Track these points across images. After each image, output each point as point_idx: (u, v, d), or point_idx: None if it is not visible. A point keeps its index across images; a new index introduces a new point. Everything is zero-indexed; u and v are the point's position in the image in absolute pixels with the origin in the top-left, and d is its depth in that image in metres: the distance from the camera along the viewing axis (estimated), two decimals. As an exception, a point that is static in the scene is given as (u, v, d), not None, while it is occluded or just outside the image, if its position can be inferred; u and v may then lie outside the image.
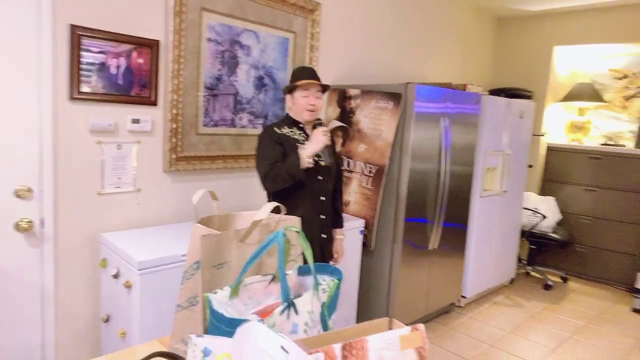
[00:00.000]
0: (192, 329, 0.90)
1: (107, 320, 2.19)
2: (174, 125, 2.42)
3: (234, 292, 0.84)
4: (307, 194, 2.11)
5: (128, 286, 1.95)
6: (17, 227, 2.01)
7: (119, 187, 2.31)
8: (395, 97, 2.84)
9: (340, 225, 2.39)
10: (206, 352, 0.64)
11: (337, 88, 3.18)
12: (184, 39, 2.39)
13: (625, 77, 4.59)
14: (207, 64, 2.53)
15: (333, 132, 3.16)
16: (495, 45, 5.03)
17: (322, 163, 2.10)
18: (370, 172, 2.97)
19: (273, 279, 0.92)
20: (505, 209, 3.90)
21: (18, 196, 1.99)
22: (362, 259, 3.06)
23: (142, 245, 2.08)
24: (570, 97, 4.65)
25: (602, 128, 4.74)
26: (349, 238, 2.86)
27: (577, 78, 4.87)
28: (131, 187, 2.36)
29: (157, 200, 2.46)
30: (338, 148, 3.16)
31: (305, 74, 2.11)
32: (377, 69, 3.63)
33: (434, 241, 3.15)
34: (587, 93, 4.56)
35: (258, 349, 0.62)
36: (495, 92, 4.37)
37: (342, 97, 3.14)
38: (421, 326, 0.80)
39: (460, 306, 3.65)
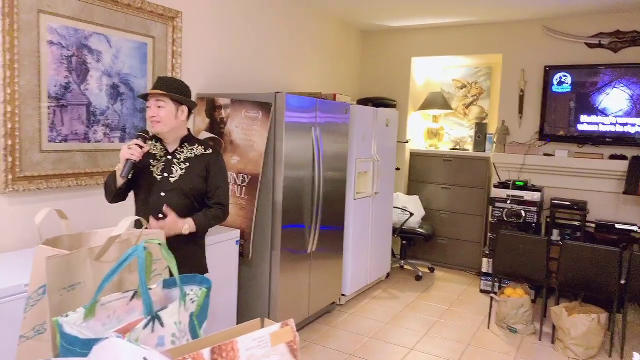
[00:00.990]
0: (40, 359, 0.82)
1: None
2: (10, 142, 2.15)
3: (90, 312, 0.79)
4: (148, 210, 1.97)
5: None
6: None
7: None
8: (265, 107, 2.90)
9: (195, 220, 1.98)
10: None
11: (205, 97, 3.13)
12: (18, 41, 2.14)
13: (464, 86, 5.34)
14: (51, 71, 2.30)
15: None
16: (361, 56, 5.44)
17: (124, 177, 1.86)
18: (243, 182, 2.98)
19: (135, 295, 0.88)
20: (378, 209, 4.22)
21: None
22: (240, 269, 3.05)
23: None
24: (425, 105, 5.24)
25: (451, 134, 5.44)
26: (224, 249, 2.83)
27: (430, 87, 5.51)
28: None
29: (-7, 228, 2.15)
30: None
31: (156, 83, 1.99)
32: (247, 78, 3.67)
33: (312, 245, 3.28)
34: (439, 102, 5.19)
35: (117, 366, 0.60)
36: (363, 101, 4.73)
37: (212, 106, 3.11)
38: (291, 321, 0.85)
39: (341, 304, 3.84)
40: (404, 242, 4.88)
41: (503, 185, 4.39)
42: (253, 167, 2.94)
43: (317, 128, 3.23)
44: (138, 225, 1.94)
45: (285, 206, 2.97)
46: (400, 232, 4.70)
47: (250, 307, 3.09)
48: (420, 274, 4.66)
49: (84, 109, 2.47)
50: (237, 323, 3.06)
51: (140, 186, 2.03)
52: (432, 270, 4.94)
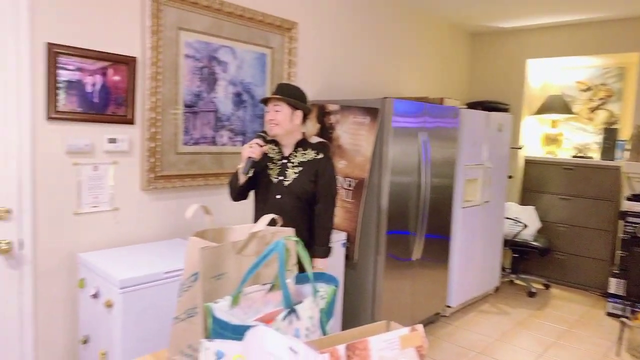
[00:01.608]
0: (190, 340, 0.93)
1: (85, 342, 2.16)
2: (152, 144, 2.44)
3: (235, 301, 0.87)
4: (266, 211, 2.12)
5: (109, 305, 1.93)
6: (-4, 249, 1.98)
7: (95, 207, 2.30)
8: (372, 112, 2.93)
9: (321, 254, 2.18)
10: (219, 355, 0.68)
11: (316, 103, 3.26)
12: (162, 55, 2.43)
13: (589, 89, 4.85)
14: (186, 81, 2.57)
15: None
16: (471, 59, 5.23)
17: (245, 174, 2.02)
18: (349, 185, 3.04)
19: (271, 288, 0.96)
20: (487, 219, 4.02)
21: (-4, 218, 1.97)
22: (345, 271, 3.10)
23: (122, 263, 2.07)
24: (543, 109, 4.87)
25: (572, 140, 4.97)
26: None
27: (548, 90, 5.10)
28: (108, 206, 2.35)
29: (135, 218, 2.45)
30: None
31: (274, 88, 2.15)
32: (356, 84, 3.74)
33: (416, 253, 3.22)
34: (558, 105, 4.78)
35: (266, 352, 0.66)
36: (473, 105, 4.54)
37: (322, 112, 3.22)
38: (420, 326, 0.85)
39: (445, 315, 3.72)
40: (515, 255, 4.58)
41: (637, 197, 3.91)
42: (359, 172, 2.98)
43: (424, 133, 3.17)
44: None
45: (390, 212, 2.96)
46: (511, 244, 4.42)
47: (354, 309, 3.13)
48: (534, 289, 4.33)
49: (212, 115, 2.72)
50: (342, 323, 3.11)
51: (259, 187, 2.19)
52: (547, 286, 4.56)
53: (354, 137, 3.02)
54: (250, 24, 2.84)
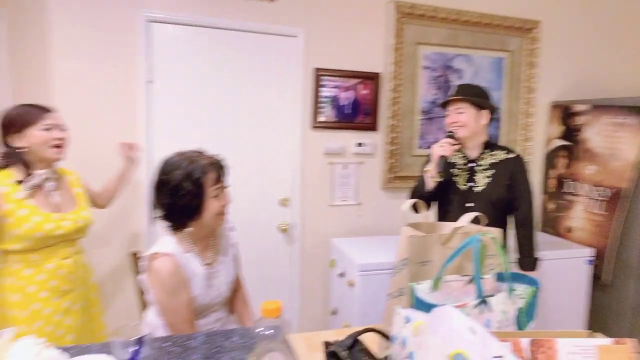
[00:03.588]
0: (399, 314, 1.11)
1: (334, 313, 2.59)
2: (392, 148, 2.72)
3: (435, 285, 0.99)
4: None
5: (351, 284, 2.29)
6: (279, 228, 2.63)
7: (344, 201, 2.72)
8: (637, 111, 2.49)
9: (528, 267, 2.00)
10: (407, 319, 0.82)
11: (559, 104, 2.97)
12: (402, 69, 2.68)
13: None
14: (422, 90, 2.76)
15: (554, 153, 2.95)
16: None
17: (440, 175, 1.88)
18: (601, 195, 2.66)
19: (471, 281, 1.04)
20: None
21: (281, 204, 2.62)
22: (593, 293, 2.73)
23: (362, 250, 2.41)
24: None
25: None
26: (571, 267, 2.62)
27: None
28: (353, 200, 2.75)
29: (375, 213, 2.79)
30: (562, 170, 2.93)
31: (457, 89, 2.00)
32: (609, 82, 3.21)
33: (696, 282, 2.57)
34: None
35: (447, 326, 0.77)
36: None
37: (566, 113, 2.91)
38: (631, 340, 0.79)
39: None
40: None
41: None
42: (616, 180, 2.58)
43: None
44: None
45: (657, 228, 2.46)
46: None
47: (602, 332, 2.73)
48: None
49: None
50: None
51: (444, 197, 2.03)
52: None
53: (609, 140, 2.64)
54: (488, 30, 2.82)
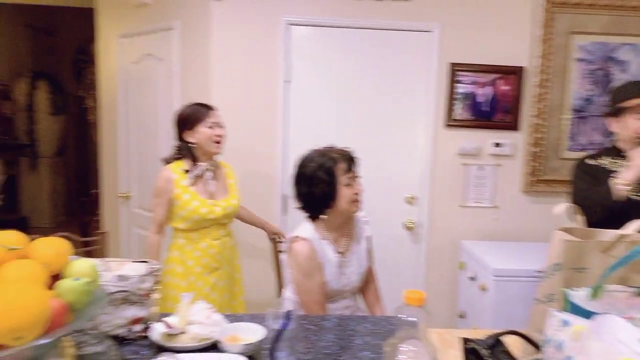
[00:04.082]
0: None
1: (462, 317, 2.49)
2: (535, 149, 2.50)
3: (595, 294, 0.89)
4: None
5: (483, 289, 2.17)
6: (405, 225, 2.61)
7: (478, 202, 2.59)
8: None
9: None
10: (565, 323, 0.76)
11: None
12: (550, 62, 2.45)
13: None
14: (575, 85, 2.48)
15: None
16: None
17: (629, 191, 1.56)
18: None
19: (639, 294, 0.91)
20: None
21: (407, 202, 2.60)
22: None
23: (498, 255, 2.27)
24: None
25: None
26: None
27: None
28: (489, 203, 2.59)
29: (513, 217, 2.60)
30: None
31: (636, 90, 1.67)
32: None
33: None
34: None
35: (615, 337, 0.69)
36: None
37: None
38: None
39: None
40: None
41: None
42: None
43: None
44: None
45: None
46: None
47: None
48: None
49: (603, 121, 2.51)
50: None
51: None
52: None
53: None
54: (665, 12, 2.43)
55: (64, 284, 0.77)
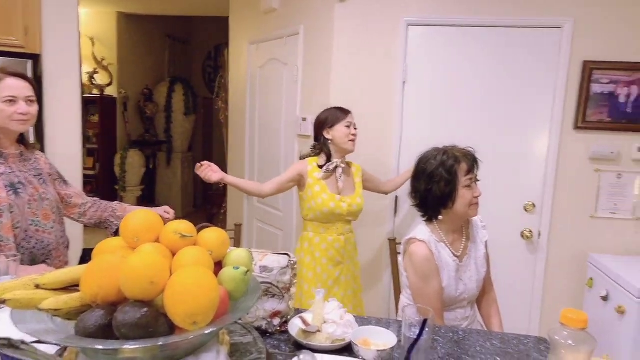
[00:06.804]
0: None
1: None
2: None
3: None
4: None
5: (620, 312, 1.90)
6: (522, 234, 2.38)
7: (614, 213, 2.28)
8: None
9: None
10: None
11: None
12: None
13: None
14: None
15: None
16: None
17: None
18: None
19: None
20: None
21: (525, 210, 2.37)
22: None
23: (639, 272, 1.97)
24: None
25: None
26: None
27: None
28: (630, 214, 2.26)
29: (658, 232, 2.24)
30: None
31: None
32: None
33: None
34: None
35: None
36: None
37: None
38: None
39: None
40: None
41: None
42: None
43: None
44: None
45: None
46: None
47: None
48: None
49: None
50: None
51: None
52: None
53: None
54: None
55: (226, 272, 0.80)
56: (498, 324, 1.64)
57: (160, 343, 0.62)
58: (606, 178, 2.27)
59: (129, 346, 0.61)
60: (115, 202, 1.76)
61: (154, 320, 0.64)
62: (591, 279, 2.22)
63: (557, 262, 2.37)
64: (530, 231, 2.36)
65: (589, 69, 2.22)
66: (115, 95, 5.11)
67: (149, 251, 0.76)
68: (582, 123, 2.26)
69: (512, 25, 2.27)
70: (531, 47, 2.28)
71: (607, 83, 2.22)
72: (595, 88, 2.23)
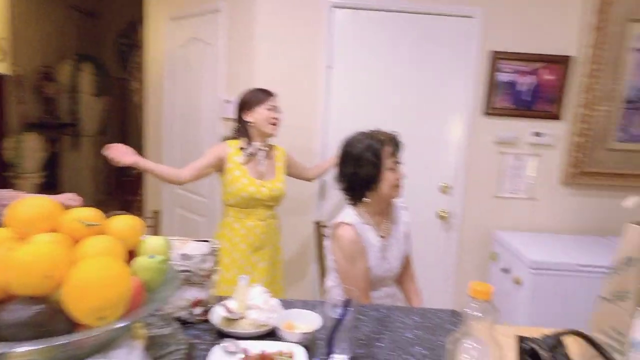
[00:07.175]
0: (615, 322, 0.94)
1: (494, 309, 2.41)
2: (579, 140, 2.37)
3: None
4: None
5: (517, 282, 2.09)
6: (438, 215, 2.53)
7: (514, 193, 2.48)
8: None
9: None
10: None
11: None
12: (603, 52, 2.30)
13: None
14: (629, 76, 2.33)
15: None
16: None
17: None
18: None
19: None
20: None
21: (441, 191, 2.51)
22: None
23: (535, 247, 2.18)
24: None
25: None
26: None
27: None
28: (525, 194, 2.48)
29: (551, 210, 2.49)
30: None
31: None
32: None
33: None
34: None
35: None
36: None
37: None
38: None
39: None
40: None
41: None
42: None
43: None
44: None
45: None
46: None
47: None
48: None
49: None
50: None
51: None
52: None
53: None
54: None
55: (140, 262, 0.74)
56: (418, 300, 1.72)
57: (58, 343, 0.55)
58: (507, 161, 2.46)
59: (20, 349, 0.53)
60: (6, 189, 1.56)
61: (49, 318, 0.57)
62: (495, 253, 2.42)
63: (468, 240, 2.54)
64: (446, 211, 2.50)
65: (495, 59, 2.37)
66: (6, 73, 4.53)
67: (42, 241, 0.67)
68: (490, 109, 2.42)
69: (429, 12, 2.35)
70: (446, 35, 2.38)
71: (510, 72, 2.39)
72: (501, 77, 2.39)
